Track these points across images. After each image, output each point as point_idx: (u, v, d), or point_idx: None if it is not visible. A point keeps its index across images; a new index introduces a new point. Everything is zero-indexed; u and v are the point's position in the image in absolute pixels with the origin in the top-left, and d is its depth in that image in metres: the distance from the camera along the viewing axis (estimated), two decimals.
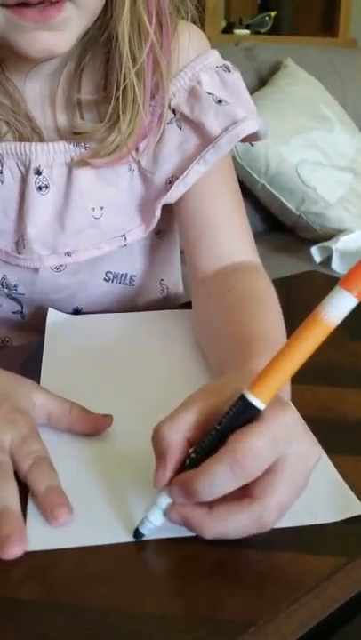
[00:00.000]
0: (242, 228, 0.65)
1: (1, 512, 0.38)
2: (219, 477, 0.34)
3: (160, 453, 0.37)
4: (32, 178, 0.60)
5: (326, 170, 1.70)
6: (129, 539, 0.39)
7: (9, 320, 0.73)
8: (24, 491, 0.42)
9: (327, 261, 1.54)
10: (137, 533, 0.38)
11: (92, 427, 0.46)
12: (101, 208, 0.62)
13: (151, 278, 0.73)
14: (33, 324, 0.70)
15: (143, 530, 0.38)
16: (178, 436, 0.37)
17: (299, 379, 0.56)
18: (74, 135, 0.60)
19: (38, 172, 0.60)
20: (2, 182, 0.61)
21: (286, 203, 1.70)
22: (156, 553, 0.38)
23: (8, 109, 0.59)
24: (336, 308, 0.34)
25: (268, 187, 1.69)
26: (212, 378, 0.52)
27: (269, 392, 0.35)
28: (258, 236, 1.92)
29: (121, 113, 0.57)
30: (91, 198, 0.61)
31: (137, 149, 0.61)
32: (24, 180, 0.60)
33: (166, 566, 0.37)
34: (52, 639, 0.33)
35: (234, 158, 1.65)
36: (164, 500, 0.37)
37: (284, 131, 1.69)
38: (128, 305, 0.73)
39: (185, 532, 0.39)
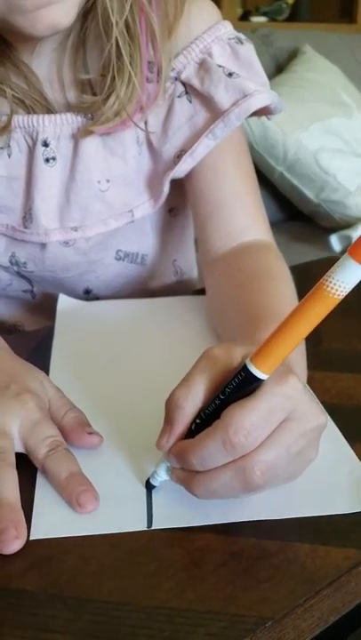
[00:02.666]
0: (254, 206, 0.63)
1: None
2: (210, 452, 0.34)
3: (169, 419, 0.37)
4: (40, 150, 0.59)
5: (346, 157, 1.66)
6: (137, 528, 0.37)
7: (20, 300, 0.71)
8: (31, 478, 0.40)
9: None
10: (148, 485, 0.39)
11: (75, 443, 0.42)
12: (107, 181, 0.61)
13: (164, 259, 0.71)
14: (44, 305, 0.68)
15: (153, 482, 0.39)
16: (191, 406, 0.36)
17: (319, 366, 0.55)
18: (81, 107, 0.59)
19: (45, 144, 0.59)
20: (9, 156, 0.60)
21: (305, 191, 1.67)
22: (167, 544, 0.36)
23: (21, 88, 0.58)
24: (343, 279, 0.31)
25: (287, 174, 1.65)
26: None
27: (272, 363, 0.34)
28: (276, 225, 1.89)
29: (117, 78, 0.55)
30: (96, 170, 0.60)
31: (141, 115, 0.59)
32: (31, 153, 0.60)
33: (177, 558, 0.35)
34: (56, 631, 0.31)
35: (251, 145, 1.62)
36: (163, 472, 0.38)
37: (302, 117, 1.66)
38: (140, 287, 0.71)
39: (196, 522, 0.37)
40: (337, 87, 1.79)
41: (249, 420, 0.33)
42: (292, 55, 1.88)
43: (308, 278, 0.74)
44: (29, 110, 0.59)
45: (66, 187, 0.61)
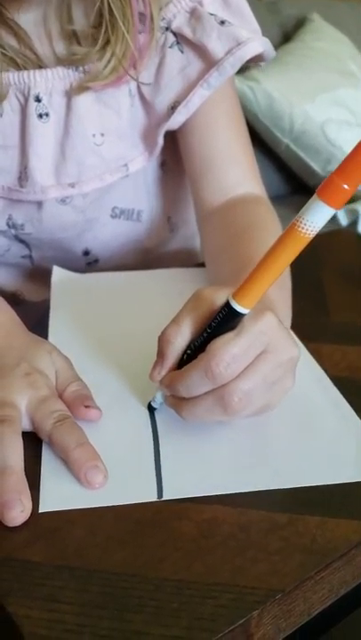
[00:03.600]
0: (247, 161, 0.64)
1: (2, 473, 0.36)
2: (194, 381, 0.37)
3: (161, 353, 0.40)
4: (32, 105, 0.58)
5: (353, 129, 1.63)
6: (147, 499, 0.36)
7: (19, 268, 0.71)
8: (37, 450, 0.40)
9: (354, 224, 1.49)
10: (150, 407, 0.43)
11: (74, 416, 0.41)
12: (102, 135, 0.60)
13: (158, 215, 0.70)
14: (43, 272, 0.67)
15: (153, 404, 0.43)
16: (180, 341, 0.40)
17: (328, 339, 0.54)
18: (71, 61, 0.58)
19: (38, 100, 0.58)
20: (1, 115, 0.58)
21: (311, 163, 1.64)
22: (174, 516, 0.36)
23: (10, 46, 0.57)
24: (313, 220, 0.34)
25: (293, 146, 1.63)
26: None
27: (251, 298, 0.37)
28: (281, 198, 1.86)
29: (111, 34, 0.55)
30: (90, 124, 0.59)
31: (135, 69, 0.58)
32: (24, 110, 0.58)
33: (185, 530, 0.35)
34: (64, 602, 0.31)
35: (256, 117, 1.59)
36: (160, 394, 0.42)
37: (309, 88, 1.62)
38: (137, 247, 0.70)
39: (206, 492, 0.37)
40: (345, 57, 1.75)
41: (229, 352, 0.36)
42: (300, 24, 1.83)
43: (314, 251, 0.73)
44: (21, 68, 0.57)
45: (60, 142, 0.59)
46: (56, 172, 0.60)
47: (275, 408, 0.40)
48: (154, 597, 0.31)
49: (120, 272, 0.64)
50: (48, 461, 0.38)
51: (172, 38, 0.59)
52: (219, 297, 0.39)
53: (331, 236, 0.79)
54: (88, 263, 0.69)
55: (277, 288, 0.43)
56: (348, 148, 1.74)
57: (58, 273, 0.61)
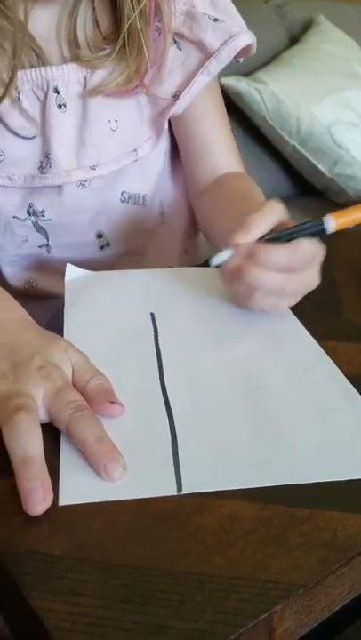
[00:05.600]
0: (232, 146, 0.76)
1: (23, 462, 0.36)
2: (274, 256, 0.48)
3: (247, 225, 0.49)
4: (52, 97, 0.63)
5: (360, 130, 1.63)
6: (167, 493, 0.36)
7: (35, 257, 0.73)
8: (55, 441, 0.40)
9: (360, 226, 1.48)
10: (207, 262, 0.51)
11: (96, 411, 0.41)
12: (116, 121, 0.67)
13: (154, 199, 0.76)
14: (58, 260, 0.71)
15: (214, 260, 0.50)
16: (263, 226, 0.50)
17: (343, 337, 0.54)
18: (82, 61, 0.64)
19: (57, 91, 0.63)
20: (20, 110, 0.63)
21: (318, 165, 1.64)
22: (194, 510, 0.36)
23: (17, 37, 0.60)
24: None
25: (300, 148, 1.63)
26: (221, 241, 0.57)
27: (341, 225, 0.51)
28: (288, 200, 1.86)
29: (128, 51, 0.62)
30: (106, 110, 0.66)
31: (143, 82, 0.66)
32: (44, 103, 0.63)
33: (205, 524, 0.35)
34: (84, 595, 0.31)
35: (263, 119, 1.59)
36: (228, 253, 0.50)
37: (316, 90, 1.62)
38: (140, 229, 0.75)
39: (225, 486, 0.37)
40: (352, 59, 1.76)
41: (309, 249, 0.49)
42: (307, 26, 1.84)
43: (327, 251, 0.73)
44: (33, 66, 0.62)
45: (79, 129, 0.65)
46: (77, 157, 0.66)
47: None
48: (176, 591, 0.31)
49: (133, 270, 0.64)
50: (67, 454, 0.38)
51: (170, 38, 0.66)
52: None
53: (343, 235, 0.79)
54: (101, 247, 0.73)
55: None
56: (355, 150, 1.74)
57: (71, 271, 0.61)
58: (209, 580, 0.32)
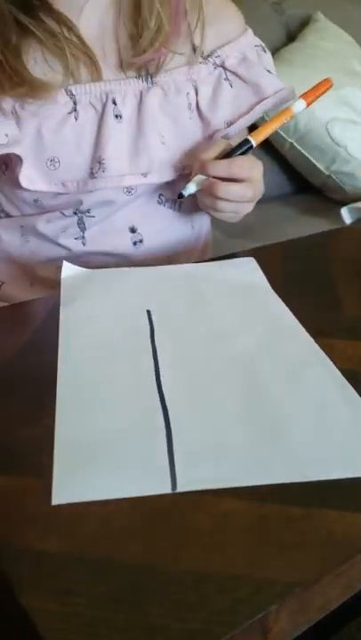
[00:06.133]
0: None
1: None
2: (219, 166, 0.65)
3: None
4: (110, 107, 0.68)
5: (358, 128, 1.62)
6: (161, 491, 0.36)
7: (66, 250, 0.76)
8: (49, 441, 0.39)
9: (358, 223, 1.48)
10: (180, 195, 0.68)
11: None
12: (163, 136, 0.71)
13: (189, 210, 0.80)
14: (90, 251, 0.75)
15: (184, 192, 0.68)
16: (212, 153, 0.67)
17: (340, 334, 0.54)
18: (138, 66, 0.69)
19: (114, 103, 0.69)
20: (76, 119, 0.68)
21: (316, 162, 1.63)
22: (190, 508, 0.35)
23: (72, 46, 0.66)
24: (298, 108, 0.71)
25: (297, 146, 1.62)
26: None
27: (259, 138, 0.69)
28: (285, 198, 1.85)
29: (149, 20, 0.67)
30: (158, 124, 0.70)
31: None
32: (101, 113, 0.69)
33: (201, 522, 0.34)
34: (79, 594, 0.31)
35: (261, 116, 1.58)
36: (199, 178, 0.67)
37: None
38: (174, 233, 0.79)
39: (220, 484, 0.36)
40: (350, 56, 1.75)
41: (243, 162, 0.66)
42: (305, 23, 1.83)
43: (325, 248, 0.73)
44: (86, 75, 0.68)
45: (134, 138, 0.70)
46: (130, 164, 0.70)
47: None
48: (171, 590, 0.31)
49: (128, 268, 0.64)
50: (61, 454, 0.38)
51: (224, 74, 0.74)
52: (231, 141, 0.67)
53: (340, 232, 0.79)
54: (134, 242, 0.76)
55: None
56: (353, 147, 1.73)
57: (67, 268, 0.61)
58: (204, 579, 0.31)
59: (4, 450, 0.39)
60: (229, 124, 0.74)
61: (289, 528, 0.34)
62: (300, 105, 0.72)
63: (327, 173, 1.64)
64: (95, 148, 0.69)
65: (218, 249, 0.85)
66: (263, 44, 0.79)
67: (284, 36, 1.81)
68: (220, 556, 0.32)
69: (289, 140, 1.61)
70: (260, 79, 0.75)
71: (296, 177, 1.73)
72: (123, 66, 0.70)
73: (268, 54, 0.79)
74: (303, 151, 1.62)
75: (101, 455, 0.38)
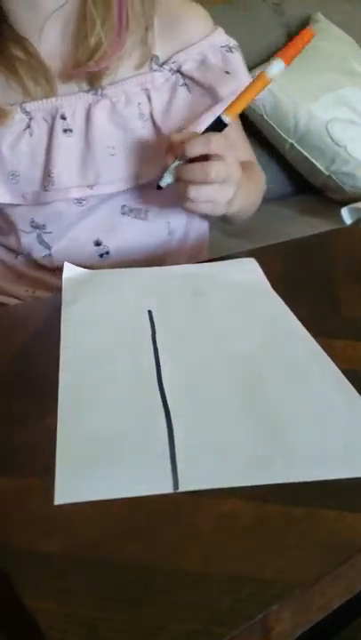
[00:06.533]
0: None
1: None
2: (197, 143, 0.61)
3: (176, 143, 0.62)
4: (59, 123, 0.70)
5: (358, 128, 1.63)
6: (163, 490, 0.36)
7: (39, 266, 0.77)
8: (51, 441, 0.39)
9: (358, 222, 1.48)
10: (158, 187, 0.64)
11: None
12: (113, 147, 0.71)
13: (160, 217, 0.78)
14: (57, 268, 0.73)
15: (161, 184, 0.64)
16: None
17: (339, 334, 0.54)
18: (89, 81, 0.70)
19: (63, 118, 0.70)
20: (31, 135, 0.70)
21: (316, 162, 1.63)
22: (191, 508, 0.35)
23: (29, 67, 0.68)
24: (274, 70, 0.64)
25: (297, 146, 1.62)
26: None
27: (232, 113, 0.64)
28: (285, 198, 1.85)
29: (101, 27, 0.68)
30: (106, 138, 0.71)
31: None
32: (52, 128, 0.70)
33: (201, 523, 0.35)
34: (80, 594, 0.31)
35: (261, 117, 1.59)
36: (174, 164, 0.63)
37: (313, 88, 1.62)
38: (143, 242, 0.77)
39: (222, 484, 0.36)
40: (350, 57, 1.75)
41: (215, 137, 0.62)
42: (305, 24, 1.83)
43: (325, 248, 0.73)
44: (35, 89, 0.70)
45: (82, 152, 0.71)
46: (79, 177, 0.71)
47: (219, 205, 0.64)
48: (172, 591, 0.31)
49: (129, 268, 0.64)
50: (63, 453, 0.38)
51: (181, 80, 0.73)
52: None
53: (340, 233, 0.79)
54: (100, 255, 0.76)
55: (247, 178, 0.68)
56: (353, 148, 1.73)
57: (69, 269, 0.61)
58: (204, 579, 0.31)
59: (5, 450, 0.40)
60: (180, 129, 0.73)
61: (290, 528, 0.34)
62: (277, 66, 0.62)
63: (327, 173, 1.64)
64: (46, 162, 0.70)
65: (218, 249, 0.85)
66: (233, 45, 0.77)
67: (284, 37, 1.81)
68: (221, 557, 0.33)
69: (289, 140, 1.61)
70: (217, 82, 0.73)
71: (296, 177, 1.73)
72: (74, 79, 0.70)
73: (237, 54, 0.76)
74: (303, 151, 1.62)
75: (103, 455, 0.38)
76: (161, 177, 0.64)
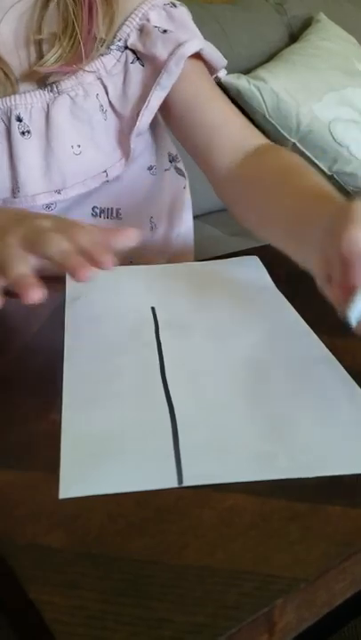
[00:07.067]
0: (241, 117, 0.71)
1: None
2: None
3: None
4: (15, 125, 0.64)
5: (360, 128, 1.63)
6: (167, 485, 0.36)
7: None
8: (56, 435, 0.39)
9: None
10: (346, 323, 0.40)
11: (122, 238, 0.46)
12: (79, 146, 0.66)
13: (140, 214, 0.75)
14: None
15: (351, 321, 0.41)
16: None
17: (346, 334, 0.53)
18: (47, 79, 0.64)
19: (19, 119, 0.65)
20: None
21: (318, 162, 1.63)
22: (195, 503, 0.35)
23: None
24: None
25: (300, 146, 1.62)
26: (286, 235, 0.55)
27: None
28: None
29: (62, 30, 0.62)
30: (68, 137, 0.66)
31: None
32: (8, 130, 0.65)
33: (206, 517, 0.35)
34: (84, 588, 0.31)
35: (263, 116, 1.59)
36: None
37: (316, 87, 1.62)
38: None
39: (227, 479, 0.37)
40: (352, 56, 1.75)
41: None
42: (307, 24, 1.83)
43: None
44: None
45: (44, 154, 0.66)
46: (44, 181, 0.66)
47: None
48: (177, 585, 0.31)
49: (133, 266, 0.64)
50: (67, 448, 0.38)
51: (131, 56, 0.66)
52: None
53: None
54: None
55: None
56: (355, 148, 1.73)
57: None
58: (210, 573, 0.32)
59: (11, 445, 0.40)
60: (138, 112, 0.66)
61: (294, 523, 0.34)
62: None
63: (329, 173, 1.64)
64: (10, 168, 0.66)
65: (220, 248, 0.84)
66: (174, 1, 0.68)
67: (287, 37, 1.81)
68: (226, 551, 0.33)
69: (291, 140, 1.62)
70: (153, 48, 0.65)
71: None
72: (29, 77, 0.65)
73: (181, 8, 0.68)
74: (305, 151, 1.62)
75: (108, 450, 0.38)
76: (345, 314, 0.42)
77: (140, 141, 0.69)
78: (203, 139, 0.68)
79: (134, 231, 0.45)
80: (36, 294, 0.40)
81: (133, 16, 0.66)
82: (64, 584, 0.31)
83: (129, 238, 0.45)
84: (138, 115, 0.66)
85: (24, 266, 0.42)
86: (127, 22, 0.66)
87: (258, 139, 0.70)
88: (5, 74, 0.63)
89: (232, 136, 0.68)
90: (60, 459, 0.38)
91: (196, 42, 0.66)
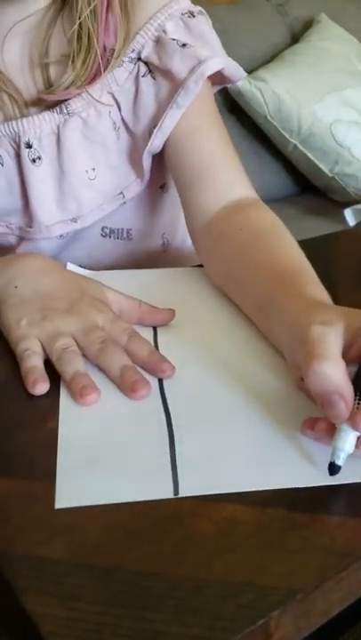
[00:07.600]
0: (235, 164, 0.64)
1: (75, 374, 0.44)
2: None
3: (334, 391, 0.37)
4: (24, 152, 0.61)
5: None
6: (164, 496, 0.36)
7: None
8: (53, 445, 0.39)
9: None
10: (332, 468, 0.37)
11: (162, 318, 0.51)
12: (93, 169, 0.63)
13: (153, 232, 0.72)
14: None
15: (338, 461, 0.37)
16: (344, 374, 0.37)
17: None
18: (56, 101, 0.60)
19: (29, 146, 0.61)
20: (2, 164, 0.62)
21: (319, 164, 1.63)
22: (193, 513, 0.35)
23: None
24: None
25: (301, 147, 1.62)
26: (252, 314, 0.52)
27: None
28: (289, 199, 1.86)
29: (76, 51, 0.58)
30: (81, 161, 0.62)
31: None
32: (19, 157, 0.62)
33: (203, 528, 0.35)
34: (82, 600, 0.31)
35: (265, 118, 1.59)
36: (350, 432, 0.37)
37: (317, 88, 1.62)
38: (129, 261, 0.71)
39: (223, 489, 0.36)
40: (353, 57, 1.75)
41: None
42: (308, 24, 1.83)
43: (327, 250, 0.73)
44: (7, 118, 0.61)
45: (58, 181, 0.63)
46: (58, 210, 0.63)
47: None
48: (173, 596, 0.31)
49: (131, 270, 0.64)
50: (64, 458, 0.38)
51: (144, 68, 0.62)
52: (346, 324, 0.39)
53: (342, 235, 0.79)
54: None
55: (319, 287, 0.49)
56: (356, 149, 1.74)
57: (72, 270, 0.61)
58: (206, 585, 0.31)
59: (7, 453, 0.40)
60: (151, 130, 0.62)
61: (291, 534, 0.34)
62: None
63: (331, 175, 1.64)
64: (22, 197, 0.63)
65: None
66: (193, 9, 0.63)
67: (288, 38, 1.81)
68: (223, 562, 0.33)
69: (293, 141, 1.61)
70: (170, 62, 0.60)
71: (300, 178, 1.73)
72: (37, 101, 0.62)
73: (200, 18, 0.63)
74: (307, 153, 1.63)
75: (104, 459, 0.38)
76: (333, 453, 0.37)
77: (153, 160, 0.66)
78: (190, 176, 0.63)
79: (170, 312, 0.51)
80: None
81: (149, 26, 0.61)
82: (61, 595, 0.31)
83: (167, 319, 0.51)
84: (150, 133, 0.62)
85: (80, 364, 0.45)
86: (142, 32, 0.61)
87: (242, 189, 0.64)
88: (12, 96, 0.60)
89: (218, 181, 0.63)
90: (57, 468, 0.38)
91: (217, 60, 0.62)
